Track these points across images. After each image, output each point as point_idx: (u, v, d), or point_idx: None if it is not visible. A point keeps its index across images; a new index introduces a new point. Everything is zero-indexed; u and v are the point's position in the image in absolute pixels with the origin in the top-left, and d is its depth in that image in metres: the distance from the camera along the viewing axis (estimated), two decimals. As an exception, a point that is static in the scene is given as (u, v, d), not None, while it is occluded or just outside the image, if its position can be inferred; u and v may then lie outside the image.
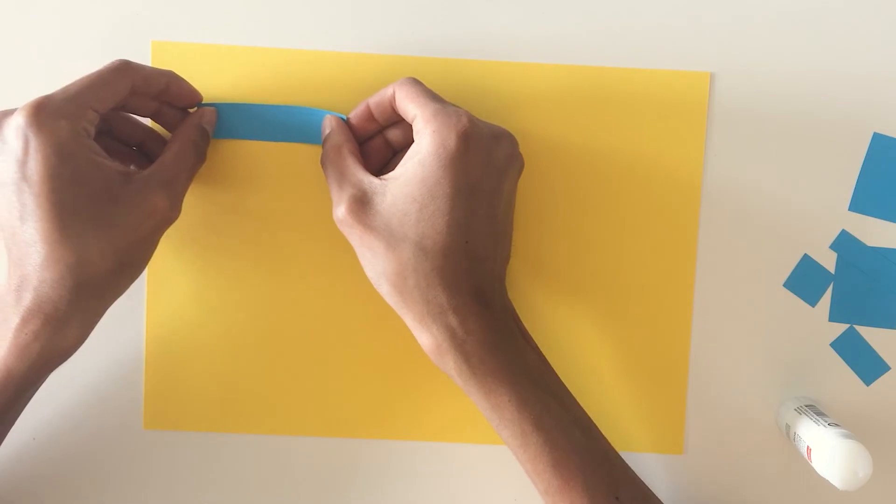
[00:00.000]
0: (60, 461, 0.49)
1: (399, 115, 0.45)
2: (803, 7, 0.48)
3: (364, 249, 0.42)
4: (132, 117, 0.47)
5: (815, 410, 0.47)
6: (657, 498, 0.44)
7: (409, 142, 0.43)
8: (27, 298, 0.40)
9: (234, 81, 0.48)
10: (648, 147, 0.48)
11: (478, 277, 0.42)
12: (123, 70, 0.42)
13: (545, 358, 0.44)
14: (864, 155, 0.49)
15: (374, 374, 0.49)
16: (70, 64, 0.48)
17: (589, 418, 0.44)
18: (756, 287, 0.49)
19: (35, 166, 0.39)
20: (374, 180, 0.42)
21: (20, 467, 0.49)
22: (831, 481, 0.42)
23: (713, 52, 0.48)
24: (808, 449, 0.44)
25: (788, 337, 0.49)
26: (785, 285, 0.49)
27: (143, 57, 0.48)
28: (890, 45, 0.48)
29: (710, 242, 0.49)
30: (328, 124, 0.46)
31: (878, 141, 0.49)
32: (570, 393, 0.44)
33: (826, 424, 0.45)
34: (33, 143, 0.39)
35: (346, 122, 0.46)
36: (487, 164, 0.42)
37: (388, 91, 0.44)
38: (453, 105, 0.43)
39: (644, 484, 0.44)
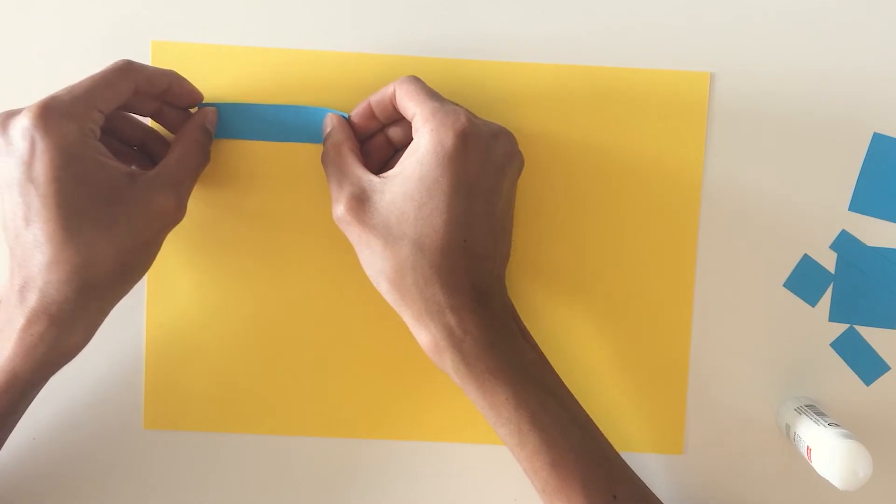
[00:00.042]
0: (60, 461, 0.49)
1: (400, 113, 0.45)
2: (803, 7, 0.48)
3: (363, 247, 0.42)
4: (133, 117, 0.47)
5: (815, 410, 0.47)
6: (656, 497, 0.44)
7: (410, 140, 0.43)
8: (32, 300, 0.40)
9: (234, 81, 0.48)
10: (648, 147, 0.48)
11: (476, 276, 0.42)
12: (127, 70, 0.42)
13: (545, 357, 0.44)
14: (864, 155, 0.49)
15: (374, 374, 0.49)
16: (70, 64, 0.48)
17: (588, 417, 0.43)
18: (756, 287, 0.49)
19: (41, 168, 0.39)
20: (374, 178, 0.42)
21: (20, 467, 0.49)
22: (831, 481, 0.42)
23: (713, 52, 0.48)
24: (808, 449, 0.44)
25: (788, 337, 0.49)
26: (785, 285, 0.49)
27: (144, 57, 0.48)
28: (890, 45, 0.48)
29: (710, 242, 0.49)
30: (329, 122, 0.46)
31: (878, 141, 0.49)
32: (569, 392, 0.44)
33: (826, 424, 0.45)
34: (40, 145, 0.39)
35: (348, 121, 0.46)
36: (486, 163, 0.42)
37: (389, 89, 0.44)
38: (452, 103, 0.43)
39: (643, 483, 0.44)
